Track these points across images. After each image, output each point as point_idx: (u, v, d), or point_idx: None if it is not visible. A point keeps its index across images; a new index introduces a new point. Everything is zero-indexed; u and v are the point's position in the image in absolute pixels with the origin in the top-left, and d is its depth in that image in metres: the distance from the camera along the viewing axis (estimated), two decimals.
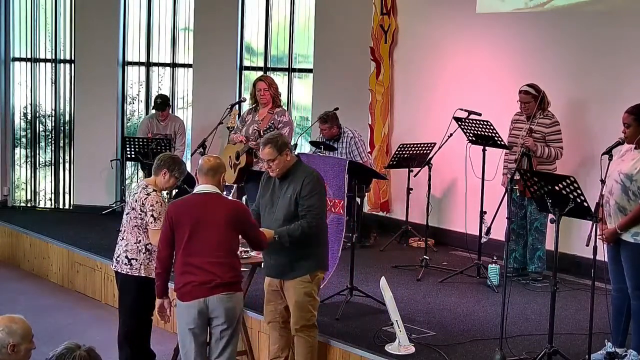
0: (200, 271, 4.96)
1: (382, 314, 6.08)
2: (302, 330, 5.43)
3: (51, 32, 10.95)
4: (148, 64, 10.84)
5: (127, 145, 9.76)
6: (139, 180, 9.70)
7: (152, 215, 5.52)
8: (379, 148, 9.60)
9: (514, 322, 6.20)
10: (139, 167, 10.25)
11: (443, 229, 8.94)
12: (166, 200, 6.06)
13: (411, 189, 8.56)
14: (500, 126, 7.42)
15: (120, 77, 10.75)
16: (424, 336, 5.92)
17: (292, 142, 7.75)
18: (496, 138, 7.34)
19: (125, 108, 10.88)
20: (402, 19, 9.46)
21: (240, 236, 5.16)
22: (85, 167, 10.67)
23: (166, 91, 10.69)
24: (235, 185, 8.20)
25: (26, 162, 11.16)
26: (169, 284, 5.26)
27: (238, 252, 5.26)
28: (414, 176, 8.11)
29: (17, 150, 11.16)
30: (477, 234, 7.47)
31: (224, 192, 7.59)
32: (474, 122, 7.51)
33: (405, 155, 8.43)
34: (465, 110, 7.62)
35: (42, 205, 11.16)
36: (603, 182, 5.33)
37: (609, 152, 5.34)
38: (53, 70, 10.96)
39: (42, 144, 11.13)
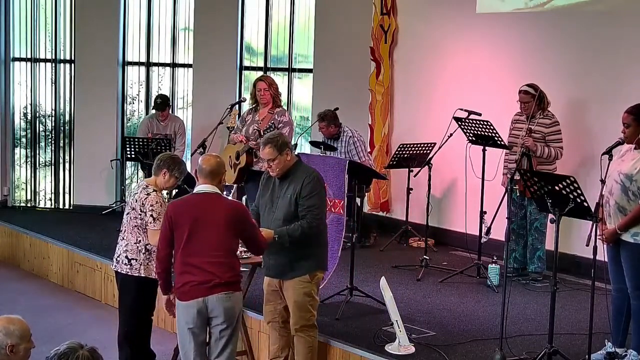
0: (199, 271, 4.97)
1: (382, 314, 6.08)
2: (302, 330, 5.43)
3: (51, 32, 10.95)
4: (148, 64, 10.84)
5: (127, 145, 9.76)
6: (139, 181, 9.70)
7: (151, 216, 5.52)
8: (379, 148, 9.60)
9: (514, 322, 6.20)
10: (139, 167, 10.25)
11: (443, 229, 8.94)
12: (166, 200, 6.06)
13: (411, 189, 8.56)
14: (500, 126, 7.42)
15: (120, 77, 10.75)
16: (424, 336, 5.92)
17: (292, 142, 7.74)
18: (496, 138, 7.34)
19: (125, 108, 10.88)
20: (402, 19, 9.46)
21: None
22: (85, 167, 10.67)
23: (166, 91, 10.69)
24: (235, 185, 8.19)
25: (26, 162, 11.16)
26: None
27: (238, 252, 5.26)
28: (414, 176, 8.11)
29: (17, 150, 11.16)
30: (477, 234, 7.47)
31: (224, 192, 7.60)
32: (474, 122, 7.51)
33: (405, 155, 8.43)
34: (465, 110, 7.61)
35: (42, 205, 11.16)
36: (603, 182, 5.33)
37: (609, 152, 5.34)
38: (53, 70, 10.96)
39: (42, 144, 11.13)
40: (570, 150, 7.49)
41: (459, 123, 7.57)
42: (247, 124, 7.88)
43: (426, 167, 7.86)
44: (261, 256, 5.57)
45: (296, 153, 6.66)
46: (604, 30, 7.73)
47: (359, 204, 7.55)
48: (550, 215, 5.38)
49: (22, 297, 8.23)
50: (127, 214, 5.70)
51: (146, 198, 5.56)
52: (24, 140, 11.16)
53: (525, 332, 6.08)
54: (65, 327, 7.25)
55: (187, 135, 10.13)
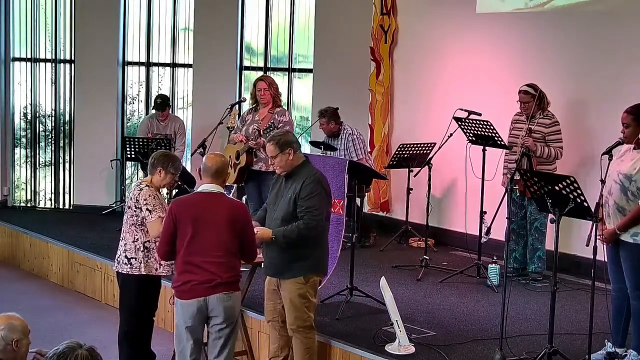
0: (200, 270, 4.99)
1: (382, 314, 6.08)
2: (299, 331, 5.43)
3: (51, 32, 10.95)
4: (148, 64, 10.84)
5: (127, 145, 9.76)
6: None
7: (147, 209, 5.52)
8: (379, 148, 9.60)
9: (514, 322, 6.20)
10: (139, 167, 10.25)
11: (443, 229, 8.94)
12: (166, 200, 6.06)
13: (411, 189, 8.56)
14: (500, 126, 7.42)
15: (120, 77, 10.75)
16: (424, 336, 5.92)
17: None
18: (496, 138, 7.34)
19: (125, 108, 10.89)
20: (402, 19, 9.46)
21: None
22: (85, 167, 10.67)
23: (166, 91, 10.69)
24: (235, 185, 8.20)
25: (26, 162, 11.16)
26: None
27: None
28: (414, 176, 8.11)
29: (17, 150, 11.16)
30: (477, 234, 7.47)
31: (224, 192, 7.60)
32: (474, 122, 7.50)
33: (405, 155, 8.43)
34: (465, 110, 7.61)
35: (42, 205, 11.16)
36: (603, 182, 5.33)
37: (609, 152, 5.34)
38: (53, 70, 10.96)
39: (42, 144, 11.13)
40: (570, 150, 7.49)
41: (459, 123, 7.57)
42: (247, 124, 7.88)
43: (426, 167, 7.86)
44: (262, 256, 5.58)
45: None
46: (604, 30, 7.73)
47: (359, 204, 7.55)
48: (550, 215, 5.37)
49: (22, 297, 8.23)
50: (125, 213, 5.73)
51: (139, 193, 5.59)
52: (24, 140, 11.16)
53: (525, 332, 6.08)
54: (65, 327, 7.25)
55: (187, 135, 10.13)
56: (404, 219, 8.88)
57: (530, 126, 7.24)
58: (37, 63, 10.99)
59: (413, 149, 8.45)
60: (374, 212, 9.67)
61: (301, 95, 10.54)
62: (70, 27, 10.83)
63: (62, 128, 11.03)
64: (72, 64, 10.80)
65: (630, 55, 7.53)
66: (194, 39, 10.63)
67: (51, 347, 3.38)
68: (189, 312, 5.03)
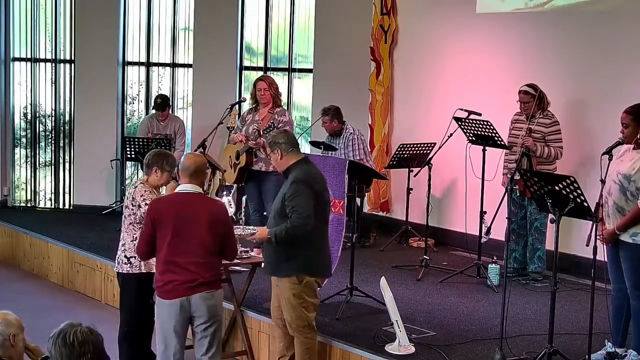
0: (182, 270, 5.03)
1: (382, 314, 6.08)
2: (298, 331, 5.45)
3: (51, 32, 10.95)
4: (148, 64, 10.84)
5: (127, 145, 9.77)
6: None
7: (145, 204, 5.53)
8: (379, 148, 9.60)
9: (514, 322, 6.20)
10: (139, 167, 10.25)
11: (443, 229, 8.94)
12: None
13: (411, 189, 8.56)
14: (500, 126, 7.42)
15: (120, 77, 10.75)
16: (424, 336, 5.92)
17: None
18: (496, 138, 7.34)
19: (125, 108, 10.89)
20: (402, 19, 9.46)
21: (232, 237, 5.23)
22: (85, 167, 10.67)
23: (166, 91, 10.69)
24: (235, 185, 8.20)
25: (26, 162, 11.16)
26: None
27: (238, 252, 5.28)
28: (414, 176, 8.11)
29: (17, 150, 11.17)
30: (477, 234, 7.47)
31: (224, 192, 7.60)
32: (474, 122, 7.50)
33: (405, 155, 8.43)
34: (465, 110, 7.61)
35: (42, 205, 11.17)
36: (603, 182, 5.32)
37: (608, 152, 5.34)
38: (53, 70, 10.96)
39: (42, 144, 11.13)
40: (570, 150, 7.49)
41: (459, 123, 7.57)
42: (247, 124, 7.88)
43: (426, 167, 7.86)
44: (262, 256, 5.60)
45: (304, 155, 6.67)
46: (604, 30, 7.73)
47: (359, 204, 7.55)
48: (550, 215, 5.37)
49: (22, 297, 8.23)
50: (123, 214, 5.74)
51: (134, 191, 5.62)
52: (24, 140, 11.17)
53: (525, 332, 6.08)
54: None
55: (187, 135, 10.13)
56: (404, 219, 8.88)
57: (530, 126, 7.24)
58: (37, 63, 10.99)
59: (413, 149, 8.45)
60: (374, 212, 9.67)
61: (301, 95, 10.54)
62: (70, 27, 10.83)
63: (62, 128, 11.03)
64: (72, 64, 10.81)
65: (630, 55, 7.53)
66: (194, 39, 10.63)
67: None
68: (172, 312, 5.08)
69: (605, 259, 5.46)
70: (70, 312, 7.88)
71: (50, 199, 11.16)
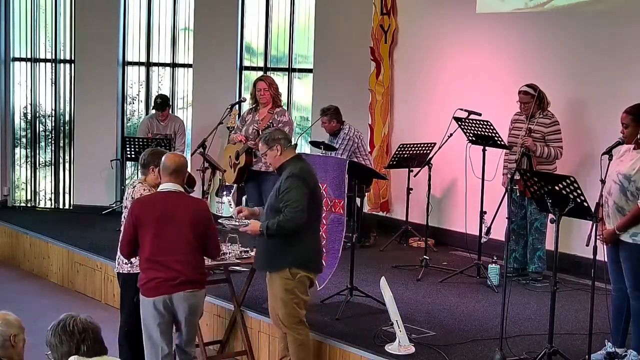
0: (165, 268, 5.10)
1: (382, 314, 6.08)
2: (290, 328, 5.47)
3: (51, 32, 10.95)
4: (148, 64, 10.84)
5: (127, 145, 9.77)
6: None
7: None
8: (379, 148, 9.60)
9: (514, 322, 6.20)
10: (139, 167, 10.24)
11: (443, 229, 8.94)
12: None
13: (411, 189, 8.56)
14: (500, 126, 7.42)
15: (120, 77, 10.75)
16: (424, 336, 5.92)
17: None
18: (496, 138, 7.34)
19: (125, 108, 10.89)
20: (402, 19, 9.46)
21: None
22: (85, 167, 10.67)
23: (166, 91, 10.69)
24: (235, 185, 8.20)
25: (26, 162, 11.16)
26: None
27: (238, 252, 5.30)
28: (414, 176, 8.11)
29: (17, 150, 11.17)
30: (477, 234, 7.47)
31: (224, 192, 7.61)
32: (474, 122, 7.50)
33: (405, 155, 8.43)
34: (465, 110, 7.61)
35: (42, 205, 11.16)
36: (603, 182, 5.32)
37: (608, 152, 5.34)
38: (53, 70, 10.96)
39: (42, 144, 11.13)
40: (570, 150, 7.49)
41: (459, 123, 7.57)
42: (247, 124, 7.88)
43: (426, 167, 7.86)
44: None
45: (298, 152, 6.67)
46: (604, 30, 7.73)
47: (358, 204, 7.55)
48: (550, 215, 5.37)
49: (22, 297, 8.23)
50: (122, 215, 5.75)
51: (133, 191, 5.66)
52: (24, 140, 11.17)
53: (525, 332, 6.08)
54: None
55: (187, 135, 10.13)
56: (404, 219, 8.88)
57: (530, 126, 7.24)
58: (37, 63, 10.99)
59: (413, 149, 8.45)
60: (374, 212, 9.67)
61: (301, 95, 10.54)
62: (70, 27, 10.83)
63: (62, 128, 11.03)
64: (72, 64, 10.80)
65: (630, 55, 7.53)
66: (194, 39, 10.63)
67: None
68: (157, 311, 5.16)
69: (605, 259, 5.46)
70: (70, 312, 7.86)
71: (50, 199, 11.16)
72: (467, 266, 7.55)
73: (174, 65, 10.82)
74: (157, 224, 5.10)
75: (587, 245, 5.14)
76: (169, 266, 5.09)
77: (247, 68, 10.63)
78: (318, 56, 10.12)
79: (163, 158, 5.32)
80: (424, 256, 7.74)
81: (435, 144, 8.10)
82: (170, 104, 10.34)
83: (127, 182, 10.73)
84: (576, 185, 4.96)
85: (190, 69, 10.66)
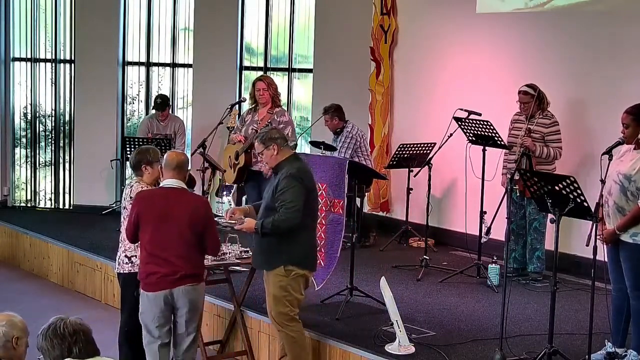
0: (165, 263, 5.16)
1: (382, 314, 6.08)
2: (282, 325, 5.49)
3: (51, 32, 10.95)
4: (148, 64, 10.84)
5: (127, 145, 9.77)
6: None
7: None
8: (379, 148, 9.60)
9: (514, 322, 6.20)
10: None
11: (443, 229, 8.94)
12: None
13: (411, 189, 8.56)
14: (500, 126, 7.42)
15: (120, 77, 10.75)
16: (424, 336, 5.92)
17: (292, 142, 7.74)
18: (496, 138, 7.34)
19: (125, 108, 10.89)
20: (402, 19, 9.46)
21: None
22: (85, 167, 10.67)
23: (166, 91, 10.69)
24: (235, 185, 8.20)
25: (26, 162, 11.16)
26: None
27: (238, 252, 5.31)
28: (414, 176, 8.11)
29: (17, 150, 11.17)
30: (477, 234, 7.47)
31: (224, 192, 7.61)
32: (474, 122, 7.50)
33: (405, 155, 8.43)
34: (465, 110, 7.61)
35: (42, 205, 11.16)
36: (603, 182, 5.32)
37: (608, 152, 5.34)
38: (53, 70, 10.96)
39: (42, 144, 11.13)
40: (570, 150, 7.49)
41: (459, 123, 7.57)
42: (247, 124, 7.89)
43: (426, 167, 7.86)
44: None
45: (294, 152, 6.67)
46: (604, 30, 7.73)
47: (358, 205, 7.55)
48: (550, 215, 5.37)
49: (22, 297, 8.22)
50: (122, 215, 5.75)
51: (131, 191, 5.67)
52: (24, 140, 11.17)
53: (525, 332, 6.08)
54: None
55: (187, 135, 10.13)
56: (404, 219, 8.88)
57: (529, 126, 7.24)
58: (37, 63, 10.99)
59: (413, 149, 8.45)
60: (374, 212, 9.67)
61: (301, 95, 10.54)
62: (70, 27, 10.83)
63: (62, 128, 11.03)
64: (72, 64, 10.80)
65: (630, 55, 7.53)
66: (194, 39, 10.63)
67: None
68: (157, 306, 5.21)
69: (606, 259, 5.46)
70: (70, 312, 7.85)
71: (50, 199, 11.16)
72: (467, 266, 7.55)
73: (174, 65, 10.82)
74: (157, 220, 5.17)
75: (587, 245, 5.14)
76: (169, 260, 5.15)
77: (247, 68, 10.62)
78: (318, 56, 10.12)
79: (165, 155, 5.38)
80: (424, 256, 7.74)
81: (435, 144, 8.10)
82: (170, 104, 10.34)
83: (126, 182, 10.74)
84: (576, 185, 4.96)
85: (190, 69, 10.66)
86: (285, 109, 8.80)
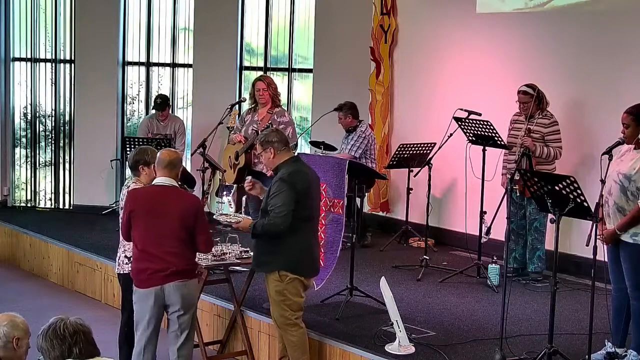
0: (156, 259, 5.20)
1: (382, 314, 6.08)
2: (282, 328, 5.52)
3: (51, 32, 10.95)
4: (148, 64, 10.84)
5: (127, 145, 9.77)
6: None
7: None
8: (379, 148, 9.59)
9: (514, 322, 6.20)
10: None
11: (443, 229, 8.94)
12: None
13: (411, 189, 8.56)
14: (500, 126, 7.42)
15: (120, 77, 10.75)
16: (424, 336, 5.92)
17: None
18: (496, 138, 7.34)
19: (125, 108, 10.88)
20: (402, 19, 9.46)
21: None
22: (85, 167, 10.67)
23: (166, 91, 10.69)
24: (235, 185, 8.19)
25: (26, 162, 11.16)
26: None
27: (238, 252, 5.31)
28: (414, 176, 8.11)
29: (17, 150, 11.16)
30: (477, 234, 7.47)
31: (224, 192, 7.61)
32: (474, 122, 7.51)
33: (405, 155, 8.43)
34: (465, 110, 7.62)
35: (42, 205, 11.16)
36: (603, 182, 5.32)
37: (608, 152, 5.34)
38: (53, 70, 10.96)
39: (42, 144, 11.13)
40: (570, 150, 7.49)
41: (459, 123, 7.57)
42: (247, 124, 7.88)
43: (426, 167, 7.86)
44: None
45: (296, 153, 6.68)
46: (603, 30, 7.73)
47: (358, 205, 7.55)
48: (550, 215, 5.37)
49: (22, 297, 8.22)
50: (120, 216, 5.76)
51: (128, 191, 5.63)
52: (24, 140, 11.17)
53: (525, 332, 6.08)
54: None
55: (187, 135, 10.13)
56: (404, 219, 8.88)
57: (529, 126, 7.24)
58: (37, 63, 10.99)
59: (413, 149, 8.45)
60: (374, 212, 9.67)
61: (301, 96, 10.54)
62: (70, 27, 10.83)
63: (62, 128, 11.03)
64: (72, 64, 10.80)
65: (630, 55, 7.53)
66: (194, 39, 10.62)
67: None
68: (149, 302, 5.24)
69: (606, 259, 5.46)
70: (70, 312, 7.85)
71: (50, 199, 11.15)
72: (467, 266, 7.55)
73: (174, 65, 10.82)
74: (148, 217, 5.22)
75: (587, 245, 5.14)
76: (160, 257, 5.19)
77: (247, 68, 10.62)
78: (318, 56, 10.12)
79: (158, 153, 5.42)
80: (424, 256, 7.74)
81: (435, 144, 8.10)
82: (170, 104, 10.34)
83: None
84: (576, 185, 4.96)
85: (190, 69, 10.66)
86: (285, 109, 8.79)
